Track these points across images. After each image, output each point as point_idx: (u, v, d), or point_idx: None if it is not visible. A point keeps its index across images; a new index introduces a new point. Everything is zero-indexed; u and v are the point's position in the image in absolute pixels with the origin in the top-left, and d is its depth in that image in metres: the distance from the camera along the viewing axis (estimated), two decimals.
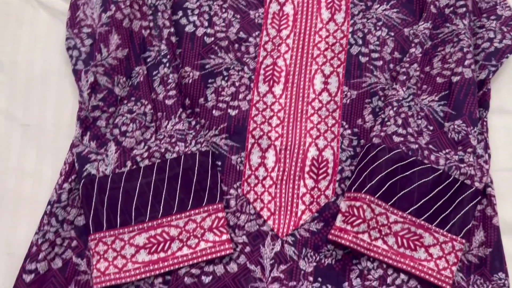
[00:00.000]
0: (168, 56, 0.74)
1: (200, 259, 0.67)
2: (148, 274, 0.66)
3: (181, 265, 0.66)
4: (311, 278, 0.68)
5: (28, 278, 0.66)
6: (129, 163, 0.69)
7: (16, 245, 0.70)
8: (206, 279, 0.67)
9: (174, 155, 0.70)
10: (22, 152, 0.74)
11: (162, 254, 0.67)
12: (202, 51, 0.77)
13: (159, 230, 0.67)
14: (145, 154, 0.70)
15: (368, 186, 0.67)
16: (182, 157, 0.70)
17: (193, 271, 0.67)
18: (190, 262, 0.67)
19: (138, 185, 0.68)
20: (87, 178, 0.69)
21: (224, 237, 0.67)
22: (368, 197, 0.67)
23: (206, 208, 0.68)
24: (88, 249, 0.68)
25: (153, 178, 0.69)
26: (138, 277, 0.66)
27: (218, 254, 0.67)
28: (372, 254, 0.67)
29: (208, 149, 0.71)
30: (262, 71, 0.76)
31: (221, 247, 0.67)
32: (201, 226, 0.68)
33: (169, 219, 0.68)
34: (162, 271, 0.66)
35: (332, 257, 0.69)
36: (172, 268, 0.66)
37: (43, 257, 0.67)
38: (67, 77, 0.77)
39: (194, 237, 0.67)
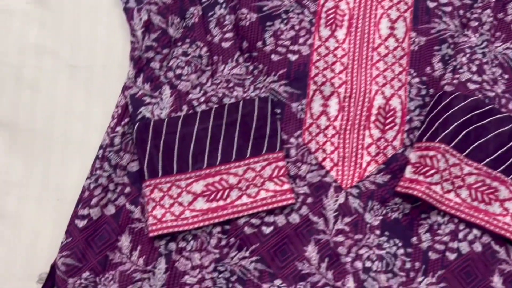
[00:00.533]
0: None
1: (260, 209, 0.63)
2: (206, 223, 0.63)
3: (241, 214, 0.63)
4: (377, 232, 0.64)
5: (81, 223, 0.63)
6: (185, 107, 0.66)
7: (66, 190, 0.68)
8: (267, 230, 0.64)
9: (233, 100, 0.66)
10: (70, 94, 0.70)
11: (221, 202, 0.63)
12: None
13: (217, 178, 0.64)
14: (202, 99, 0.66)
15: (443, 135, 0.63)
16: (241, 102, 0.66)
17: (253, 221, 0.64)
18: (250, 212, 0.63)
19: (195, 130, 0.65)
20: (141, 122, 0.65)
21: (286, 186, 0.64)
22: (443, 146, 0.63)
23: (265, 157, 0.65)
24: (142, 196, 0.65)
25: (210, 123, 0.65)
26: (196, 225, 0.63)
27: (280, 204, 0.63)
28: (443, 207, 0.63)
29: (267, 95, 0.67)
30: (323, 14, 0.71)
31: (283, 196, 0.64)
32: (260, 175, 0.64)
33: (227, 166, 0.64)
34: (221, 219, 0.63)
35: (399, 210, 0.65)
36: (231, 217, 0.63)
37: (95, 202, 0.64)
38: (117, 17, 0.72)
39: (254, 185, 0.64)
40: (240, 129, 0.65)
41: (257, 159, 0.65)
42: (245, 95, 0.67)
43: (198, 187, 0.63)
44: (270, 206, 0.64)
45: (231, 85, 0.67)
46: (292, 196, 0.64)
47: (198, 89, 0.67)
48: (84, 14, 0.73)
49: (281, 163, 0.65)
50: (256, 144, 0.65)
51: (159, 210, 0.63)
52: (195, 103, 0.66)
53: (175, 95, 0.66)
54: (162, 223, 0.63)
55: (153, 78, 0.68)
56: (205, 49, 0.68)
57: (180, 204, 0.63)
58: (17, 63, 0.71)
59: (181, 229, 0.63)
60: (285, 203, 0.64)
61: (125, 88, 0.68)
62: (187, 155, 0.64)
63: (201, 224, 0.63)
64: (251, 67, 0.69)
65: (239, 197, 0.64)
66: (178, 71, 0.68)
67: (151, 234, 0.62)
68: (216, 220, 0.63)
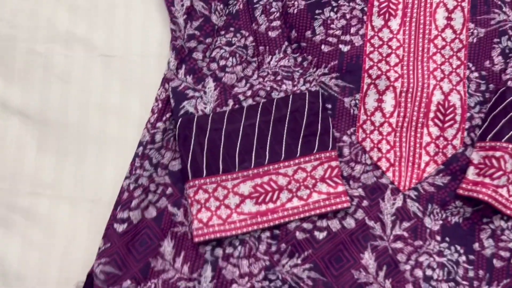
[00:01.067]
0: None
1: (313, 212, 0.59)
2: (255, 227, 0.58)
3: (292, 218, 0.59)
4: (438, 238, 0.60)
5: (120, 227, 0.58)
6: (231, 102, 0.61)
7: (102, 190, 0.62)
8: (320, 235, 0.59)
9: (281, 94, 0.61)
10: (105, 86, 0.65)
11: (270, 205, 0.59)
12: None
13: (265, 178, 0.59)
14: (249, 93, 0.61)
15: (510, 134, 0.59)
16: (290, 96, 0.61)
17: (305, 225, 0.59)
18: (302, 216, 0.59)
19: (242, 127, 0.60)
20: (184, 117, 0.60)
21: (340, 188, 0.59)
22: (511, 146, 0.59)
23: (317, 156, 0.60)
24: (185, 197, 0.61)
25: (258, 119, 0.60)
26: (245, 229, 0.58)
27: (334, 208, 0.59)
28: (509, 212, 0.59)
29: (317, 89, 0.62)
30: (376, 3, 0.66)
31: (337, 199, 0.59)
32: (311, 176, 0.59)
33: (276, 166, 0.59)
34: (271, 224, 0.58)
35: (460, 214, 0.61)
36: (282, 221, 0.58)
37: (136, 204, 0.59)
38: (153, 2, 0.67)
39: (305, 187, 0.59)
40: (289, 126, 0.61)
41: (308, 158, 0.60)
42: (295, 88, 0.62)
43: (245, 188, 0.59)
44: (323, 210, 0.59)
45: (279, 77, 0.62)
46: (347, 199, 0.59)
47: (243, 82, 0.62)
48: (118, 0, 0.67)
49: (334, 163, 0.60)
50: (307, 142, 0.60)
51: (205, 212, 0.58)
52: (241, 97, 0.61)
53: (220, 88, 0.61)
54: (208, 227, 0.58)
55: (195, 69, 0.62)
56: (250, 38, 0.63)
57: (227, 206, 0.58)
58: (45, 52, 0.65)
59: (228, 233, 0.58)
60: (339, 206, 0.59)
61: (166, 80, 0.63)
62: (233, 153, 0.60)
63: (250, 228, 0.58)
64: (299, 59, 0.64)
65: (290, 200, 0.59)
66: (222, 62, 0.63)
67: (196, 240, 0.57)
68: (266, 225, 0.58)
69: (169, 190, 0.61)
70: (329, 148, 0.60)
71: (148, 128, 0.62)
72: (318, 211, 0.59)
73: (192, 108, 0.61)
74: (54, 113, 0.64)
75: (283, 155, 0.60)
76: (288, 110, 0.61)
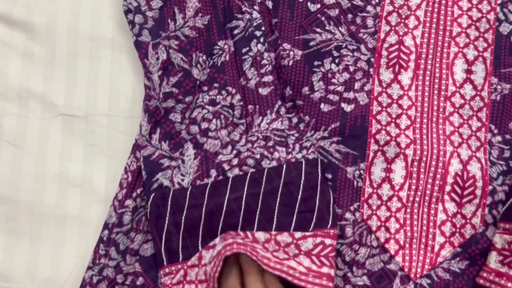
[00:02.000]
0: (263, 28, 0.55)
1: (284, 275, 0.47)
2: (218, 261, 0.47)
3: (259, 260, 0.47)
4: None
5: None
6: (213, 173, 0.52)
7: (60, 281, 0.53)
8: None
9: (274, 163, 0.52)
10: (65, 153, 0.55)
11: (239, 240, 0.48)
12: (305, 22, 0.57)
13: (242, 234, 0.50)
14: (235, 161, 0.52)
15: None
16: (284, 166, 0.52)
17: None
18: (270, 269, 0.47)
19: (226, 201, 0.51)
20: (158, 192, 0.51)
21: (325, 269, 0.49)
22: None
23: (312, 233, 0.50)
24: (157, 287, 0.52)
25: (245, 192, 0.51)
26: (209, 262, 0.48)
27: (309, 286, 0.48)
28: None
29: (316, 157, 0.53)
30: (384, 52, 0.57)
31: (316, 280, 0.48)
32: (297, 245, 0.50)
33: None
34: (234, 250, 0.47)
35: None
36: (248, 254, 0.47)
37: None
38: (123, 50, 0.57)
39: (284, 252, 0.49)
40: (281, 201, 0.51)
41: (301, 234, 0.50)
42: (289, 156, 0.52)
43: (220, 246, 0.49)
44: (296, 281, 0.48)
45: (270, 143, 0.53)
46: (329, 285, 0.48)
47: (229, 148, 0.53)
48: (81, 47, 0.56)
49: (328, 241, 0.50)
50: (302, 220, 0.51)
51: (188, 286, 0.49)
52: (226, 166, 0.52)
53: (201, 157, 0.52)
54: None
55: (172, 134, 0.53)
56: (238, 96, 0.54)
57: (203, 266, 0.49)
58: None
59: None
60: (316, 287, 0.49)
61: (137, 147, 0.53)
62: (216, 231, 0.50)
63: (214, 261, 0.48)
64: (295, 120, 0.54)
65: (263, 250, 0.49)
66: (204, 125, 0.53)
67: None
68: (228, 253, 0.47)
69: (139, 280, 0.51)
70: (328, 226, 0.51)
71: (115, 207, 0.52)
72: (289, 277, 0.48)
73: (167, 181, 0.52)
74: (4, 185, 0.54)
75: (274, 227, 0.50)
76: (281, 182, 0.51)
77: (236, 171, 0.52)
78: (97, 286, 0.50)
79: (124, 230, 0.52)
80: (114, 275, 0.51)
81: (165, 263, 0.50)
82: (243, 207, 0.51)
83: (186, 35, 0.54)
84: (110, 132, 0.55)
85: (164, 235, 0.50)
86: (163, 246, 0.50)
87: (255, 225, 0.50)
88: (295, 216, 0.51)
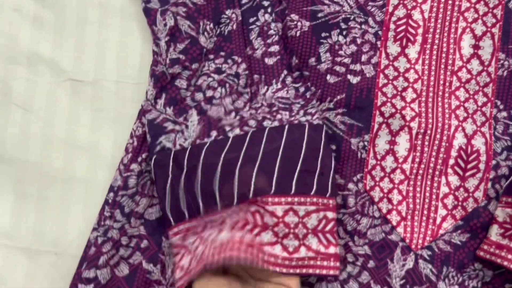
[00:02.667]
0: None
1: (291, 270, 0.47)
2: (221, 258, 0.45)
3: (265, 266, 0.46)
4: None
5: None
6: (214, 133, 0.52)
7: (66, 241, 0.54)
8: None
9: (276, 123, 0.51)
10: (73, 118, 0.55)
11: (247, 236, 0.48)
12: None
13: (253, 208, 0.49)
14: (236, 123, 0.52)
15: None
16: (286, 126, 0.51)
17: None
18: (277, 269, 0.47)
19: (222, 158, 0.50)
20: (160, 154, 0.51)
21: (332, 249, 0.49)
22: None
23: (314, 200, 0.50)
24: (162, 251, 0.52)
25: (243, 151, 0.50)
26: (208, 266, 0.46)
27: (317, 271, 0.48)
28: None
29: (321, 123, 0.52)
30: (392, 26, 0.57)
31: (324, 262, 0.48)
32: (303, 223, 0.49)
33: (264, 200, 0.49)
34: (234, 254, 0.46)
35: (478, 278, 0.53)
36: (249, 261, 0.46)
37: (104, 261, 0.51)
38: (132, 18, 0.57)
39: (294, 236, 0.49)
40: (283, 158, 0.50)
41: (303, 199, 0.49)
42: (292, 119, 0.52)
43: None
44: (304, 271, 0.48)
45: (274, 109, 0.53)
46: (337, 266, 0.48)
47: (232, 114, 0.53)
48: (91, 14, 0.57)
49: (330, 214, 0.50)
50: (302, 179, 0.50)
51: (186, 257, 0.49)
52: (227, 127, 0.52)
53: (204, 123, 0.53)
54: (188, 272, 0.48)
55: (177, 100, 0.53)
56: (243, 65, 0.54)
57: (204, 242, 0.48)
58: (3, 75, 0.55)
59: (197, 270, 0.46)
60: (324, 272, 0.48)
61: (143, 112, 0.54)
62: (212, 191, 0.50)
63: (216, 258, 0.46)
64: (302, 89, 0.54)
65: (271, 244, 0.48)
66: (209, 93, 0.54)
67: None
68: (228, 255, 0.45)
69: (144, 243, 0.52)
70: (328, 194, 0.50)
71: (120, 170, 0.53)
72: (298, 271, 0.48)
73: (170, 143, 0.52)
74: (12, 147, 0.55)
75: (273, 189, 0.49)
76: (283, 141, 0.50)
77: (237, 131, 0.52)
78: (101, 247, 0.51)
79: (129, 193, 0.52)
80: (119, 236, 0.52)
81: (172, 223, 0.50)
82: (239, 164, 0.50)
83: (194, 2, 0.54)
84: (117, 98, 0.56)
85: (167, 196, 0.51)
86: (168, 206, 0.50)
87: (252, 180, 0.49)
88: (295, 176, 0.50)
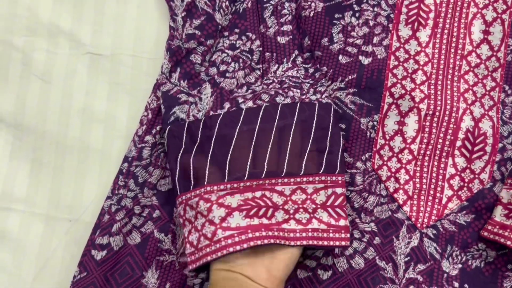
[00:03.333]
0: None
1: (311, 242, 0.49)
2: (245, 245, 0.47)
3: (288, 242, 0.48)
4: (456, 284, 0.53)
5: (98, 255, 0.51)
6: (227, 105, 0.53)
7: (81, 209, 0.55)
8: (324, 275, 0.53)
9: (288, 100, 0.52)
10: (90, 89, 0.57)
11: (264, 220, 0.49)
12: None
13: (258, 193, 0.50)
14: (249, 96, 0.53)
15: None
16: (298, 104, 0.52)
17: (308, 262, 0.53)
18: (299, 243, 0.49)
19: (237, 131, 0.51)
20: (174, 124, 0.53)
21: (342, 222, 0.50)
22: None
23: (322, 178, 0.51)
24: (173, 221, 0.54)
25: (257, 125, 0.51)
26: (232, 249, 0.47)
27: (331, 243, 0.50)
28: None
29: (330, 102, 0.53)
30: (404, 9, 0.58)
31: (336, 234, 0.50)
32: (312, 200, 0.51)
33: (273, 181, 0.50)
34: (265, 241, 0.47)
35: (482, 258, 0.54)
36: (278, 241, 0.48)
37: (117, 229, 0.52)
38: None
39: (304, 210, 0.50)
40: (294, 137, 0.52)
41: (311, 178, 0.51)
42: (304, 97, 0.53)
43: (233, 200, 0.49)
44: (320, 242, 0.50)
45: (285, 85, 0.54)
46: (347, 237, 0.50)
47: (244, 88, 0.54)
48: None
49: (339, 190, 0.51)
50: (312, 159, 0.52)
51: (194, 234, 0.49)
52: (239, 99, 0.53)
53: (217, 94, 0.53)
54: (199, 250, 0.48)
55: (192, 74, 0.55)
56: (257, 42, 0.55)
57: (211, 222, 0.48)
58: (24, 46, 0.57)
59: (214, 256, 0.47)
60: (337, 243, 0.50)
61: (158, 86, 0.55)
62: (224, 161, 0.51)
63: (238, 247, 0.47)
64: (311, 70, 0.56)
65: (286, 221, 0.50)
66: (223, 68, 0.55)
67: (190, 267, 0.48)
68: (259, 242, 0.47)
69: (156, 213, 0.54)
70: (337, 171, 0.52)
71: (135, 142, 0.54)
72: (315, 242, 0.49)
73: (184, 114, 0.53)
74: (31, 117, 0.56)
75: (284, 170, 0.51)
76: (294, 119, 0.52)
77: (250, 103, 0.53)
78: (115, 215, 0.53)
79: (143, 164, 0.54)
80: (132, 205, 0.53)
81: (178, 192, 0.51)
82: (254, 139, 0.51)
83: None
84: (134, 72, 0.57)
85: (178, 165, 0.51)
86: (177, 175, 0.51)
87: (266, 158, 0.51)
88: (306, 155, 0.51)
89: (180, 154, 0.51)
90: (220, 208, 0.49)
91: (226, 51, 0.55)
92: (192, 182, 0.51)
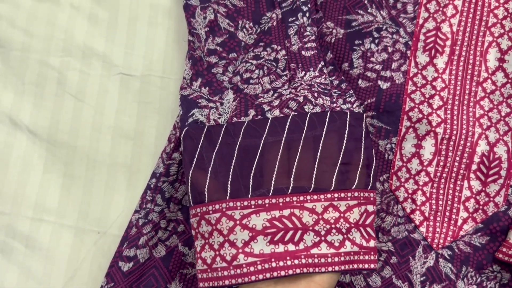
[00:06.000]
0: (309, 5, 0.59)
1: (342, 267, 0.47)
2: (268, 275, 0.45)
3: (318, 269, 0.46)
4: None
5: (125, 266, 0.53)
6: (252, 112, 0.50)
7: (109, 222, 0.57)
8: None
9: (317, 108, 0.50)
10: (120, 108, 0.59)
11: (291, 247, 0.46)
12: (349, 3, 0.61)
13: (286, 212, 0.47)
14: (276, 102, 0.51)
15: None
16: (328, 113, 0.50)
17: None
18: (330, 269, 0.46)
19: (262, 143, 0.49)
20: (192, 125, 0.50)
21: (372, 243, 0.48)
22: None
23: (355, 194, 0.48)
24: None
25: (284, 136, 0.49)
26: (253, 277, 0.45)
27: (360, 266, 0.48)
28: None
29: (361, 111, 0.51)
30: (422, 37, 0.61)
31: (365, 256, 0.48)
32: (345, 218, 0.48)
33: (301, 198, 0.47)
34: (290, 272, 0.45)
35: (496, 280, 0.55)
36: (304, 270, 0.45)
37: (144, 242, 0.54)
38: (179, 19, 0.61)
39: (337, 231, 0.47)
40: (323, 149, 0.49)
41: (343, 194, 0.48)
42: (334, 105, 0.51)
43: (258, 221, 0.46)
44: (351, 266, 0.47)
45: (315, 89, 0.52)
46: (376, 259, 0.49)
47: (270, 92, 0.52)
48: (142, 14, 0.61)
49: (371, 208, 0.49)
50: (344, 173, 0.49)
51: (208, 251, 0.47)
52: (265, 107, 0.51)
53: (240, 99, 0.52)
54: (212, 271, 0.46)
55: (213, 82, 0.54)
56: (283, 52, 0.55)
57: (232, 244, 0.46)
58: (59, 65, 0.60)
59: (233, 281, 0.45)
60: (366, 265, 0.48)
61: (180, 89, 0.54)
62: (248, 174, 0.48)
63: (261, 276, 0.45)
64: (336, 82, 0.55)
65: (316, 244, 0.47)
66: (247, 75, 0.54)
67: (201, 285, 0.48)
68: (283, 273, 0.46)
69: (180, 227, 0.56)
70: (370, 187, 0.49)
71: (163, 158, 0.56)
72: (347, 267, 0.47)
73: (204, 117, 0.51)
74: (64, 133, 0.59)
75: (312, 185, 0.48)
76: (324, 130, 0.49)
77: (277, 112, 0.50)
78: (142, 228, 0.54)
79: (170, 180, 0.56)
80: (158, 219, 0.55)
81: (191, 202, 0.48)
82: (280, 152, 0.48)
83: (234, 4, 0.57)
84: (163, 92, 0.60)
85: (191, 171, 0.48)
86: (189, 184, 0.48)
87: (293, 173, 0.48)
88: (336, 170, 0.48)
89: (195, 158, 0.48)
90: (244, 231, 0.46)
91: (250, 61, 0.55)
92: (207, 194, 0.47)
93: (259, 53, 0.55)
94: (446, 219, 0.57)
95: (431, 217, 0.57)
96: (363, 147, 0.50)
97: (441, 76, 0.60)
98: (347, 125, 0.50)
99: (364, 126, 0.51)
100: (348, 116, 0.50)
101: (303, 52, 0.55)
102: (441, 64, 0.60)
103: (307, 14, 0.59)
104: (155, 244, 0.55)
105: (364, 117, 0.51)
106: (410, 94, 0.59)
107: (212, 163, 0.48)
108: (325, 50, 0.58)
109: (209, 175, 0.48)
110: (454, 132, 0.58)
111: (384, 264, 0.55)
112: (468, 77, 0.60)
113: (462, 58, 0.60)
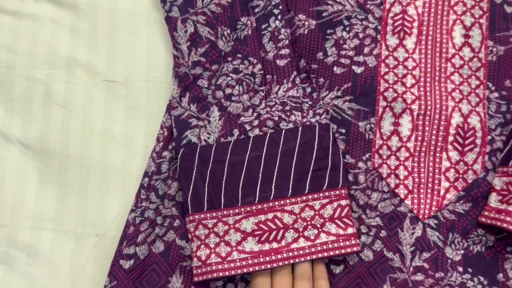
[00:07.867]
0: (280, 7, 0.61)
1: (320, 255, 0.54)
2: (257, 268, 0.54)
3: (297, 260, 0.54)
4: (460, 269, 0.57)
5: (126, 264, 0.55)
6: (236, 132, 0.58)
7: (106, 224, 0.59)
8: (337, 269, 0.56)
9: (290, 125, 0.58)
10: (108, 114, 0.61)
11: (274, 245, 0.55)
12: None
13: (270, 215, 0.55)
14: (255, 122, 0.58)
15: None
16: (300, 128, 0.58)
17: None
18: (308, 258, 0.55)
19: (246, 158, 0.57)
20: (187, 147, 0.57)
21: (350, 230, 0.55)
22: None
23: (326, 194, 0.56)
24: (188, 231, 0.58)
25: (264, 151, 0.57)
26: (245, 269, 0.54)
27: (343, 251, 0.54)
28: None
29: (328, 122, 0.58)
30: (390, 21, 0.63)
31: (346, 242, 0.55)
32: (320, 214, 0.56)
33: (282, 202, 0.56)
34: (274, 265, 0.54)
35: (482, 243, 0.58)
36: (286, 262, 0.54)
37: (142, 239, 0.56)
38: (158, 25, 0.64)
39: (313, 226, 0.55)
40: (297, 160, 0.57)
41: (316, 195, 0.56)
42: (304, 120, 0.58)
43: (248, 224, 0.55)
44: (331, 253, 0.55)
45: (287, 108, 0.59)
46: (357, 243, 0.55)
47: (250, 111, 0.59)
48: (121, 22, 0.63)
49: (343, 202, 0.56)
50: (316, 178, 0.57)
51: (204, 250, 0.55)
52: (247, 127, 0.58)
53: (225, 118, 0.58)
54: (206, 266, 0.54)
55: (200, 98, 0.59)
56: (258, 66, 0.60)
57: (227, 243, 0.55)
58: (45, 78, 0.62)
59: (227, 273, 0.54)
60: (348, 250, 0.54)
61: (170, 107, 0.60)
62: (237, 187, 0.56)
63: (251, 268, 0.54)
64: (309, 89, 0.61)
65: (295, 240, 0.55)
66: (228, 91, 0.59)
67: (195, 279, 0.54)
68: (269, 266, 0.54)
69: (176, 222, 0.58)
70: (339, 185, 0.56)
71: (153, 157, 0.59)
72: (326, 254, 0.54)
73: (195, 138, 0.58)
74: (55, 143, 0.60)
75: (290, 191, 0.56)
76: (297, 143, 0.57)
77: (257, 131, 0.58)
78: (139, 226, 0.57)
79: (162, 178, 0.58)
80: (154, 216, 0.57)
81: (190, 211, 0.56)
82: (262, 164, 0.57)
83: (212, 11, 0.61)
84: (148, 95, 0.62)
85: (191, 186, 0.56)
86: (189, 196, 0.56)
87: (273, 182, 0.56)
88: (309, 174, 0.56)
89: (193, 176, 0.56)
90: (237, 233, 0.55)
91: (230, 74, 0.60)
92: (206, 204, 0.56)
93: (237, 66, 0.60)
94: (429, 190, 0.60)
95: (415, 190, 0.60)
96: (330, 153, 0.58)
97: (411, 56, 0.63)
98: (316, 136, 0.58)
99: (331, 134, 0.58)
100: (317, 128, 0.58)
101: (277, 61, 0.61)
102: (411, 44, 0.63)
103: (279, 17, 0.62)
104: (153, 240, 0.57)
105: (330, 126, 0.59)
106: (384, 76, 0.62)
107: (207, 178, 0.57)
108: (298, 57, 0.62)
109: (206, 188, 0.56)
110: (429, 107, 0.61)
111: (375, 238, 0.58)
112: (437, 54, 0.63)
113: (429, 37, 0.63)
